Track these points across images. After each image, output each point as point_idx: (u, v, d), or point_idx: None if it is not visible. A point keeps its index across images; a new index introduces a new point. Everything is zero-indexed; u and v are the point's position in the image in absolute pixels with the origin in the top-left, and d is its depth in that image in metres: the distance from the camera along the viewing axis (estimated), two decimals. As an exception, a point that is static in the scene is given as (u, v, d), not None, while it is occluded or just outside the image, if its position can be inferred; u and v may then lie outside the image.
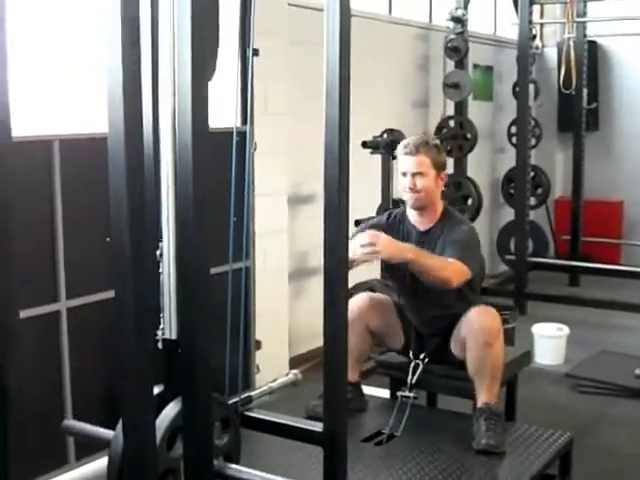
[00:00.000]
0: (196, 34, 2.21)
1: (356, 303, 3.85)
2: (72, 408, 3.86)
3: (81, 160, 3.76)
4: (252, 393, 3.53)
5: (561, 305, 7.07)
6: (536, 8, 8.19)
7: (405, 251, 3.58)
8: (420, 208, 3.83)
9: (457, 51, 7.41)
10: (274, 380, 3.85)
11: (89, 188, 3.69)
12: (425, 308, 3.89)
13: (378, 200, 5.80)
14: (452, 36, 7.39)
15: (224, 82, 3.28)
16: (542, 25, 9.01)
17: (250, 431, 3.21)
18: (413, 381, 3.83)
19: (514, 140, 7.92)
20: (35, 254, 3.66)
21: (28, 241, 3.53)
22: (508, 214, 8.16)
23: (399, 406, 3.76)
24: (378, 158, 5.75)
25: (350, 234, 2.75)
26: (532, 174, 7.93)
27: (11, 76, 2.38)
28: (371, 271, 5.04)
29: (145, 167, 2.19)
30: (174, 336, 2.56)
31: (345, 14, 2.55)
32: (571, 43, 7.31)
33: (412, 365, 3.86)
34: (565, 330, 5.87)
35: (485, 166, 8.51)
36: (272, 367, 4.82)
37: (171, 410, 2.49)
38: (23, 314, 3.40)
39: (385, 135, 5.80)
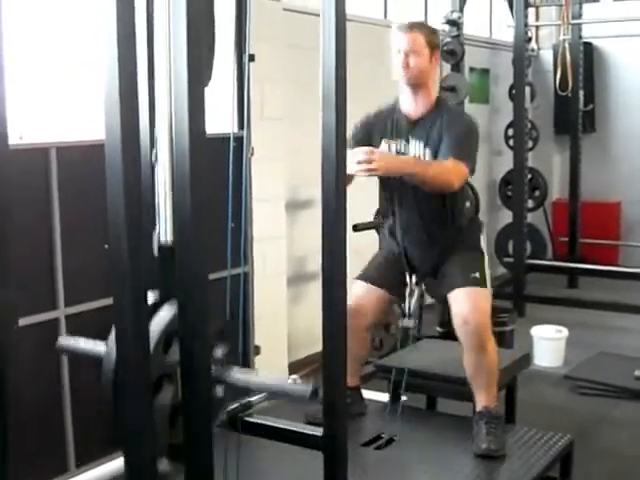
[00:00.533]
0: (192, 40, 2.21)
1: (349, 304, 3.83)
2: (71, 415, 3.85)
3: (78, 167, 3.76)
4: (251, 398, 3.52)
5: (560, 307, 7.08)
6: (531, 10, 8.22)
7: (401, 164, 3.54)
8: (414, 85, 3.72)
9: (453, 54, 7.42)
10: (273, 385, 3.84)
11: (86, 195, 3.69)
12: (415, 219, 3.80)
13: (376, 204, 5.79)
14: (448, 39, 7.41)
15: (220, 87, 3.27)
16: (538, 27, 9.03)
17: (250, 436, 3.21)
18: (411, 307, 3.79)
19: (511, 142, 7.93)
20: (33, 261, 3.66)
21: (26, 248, 3.52)
22: (506, 217, 8.16)
23: (397, 408, 3.75)
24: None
25: (348, 243, 2.73)
26: (529, 176, 7.94)
27: (8, 83, 2.38)
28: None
29: (142, 174, 2.19)
30: (169, 241, 2.50)
31: (341, 18, 2.55)
32: (567, 45, 7.34)
33: (407, 291, 3.80)
34: (564, 332, 5.88)
35: (482, 169, 8.52)
36: (271, 372, 4.81)
37: (166, 312, 2.40)
38: (22, 322, 3.40)
39: (382, 139, 5.79)
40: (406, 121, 3.77)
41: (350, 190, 2.69)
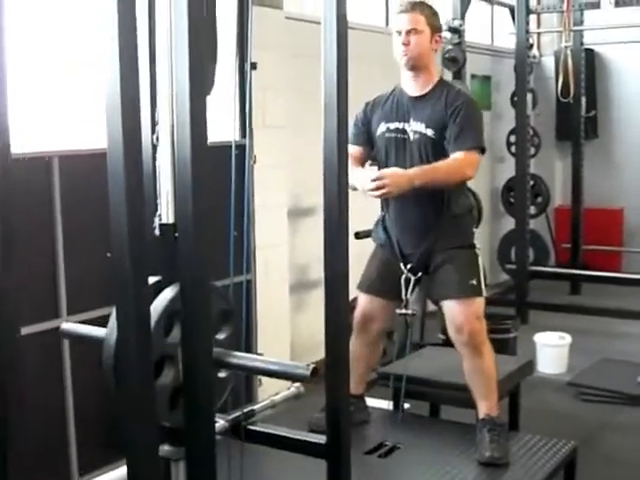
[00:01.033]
0: (194, 48, 2.21)
1: (359, 314, 3.84)
2: (74, 423, 3.85)
3: (81, 176, 3.77)
4: (255, 407, 3.51)
5: (563, 314, 7.07)
6: (533, 17, 8.23)
7: (413, 179, 3.48)
8: (414, 68, 3.70)
9: (455, 61, 7.42)
10: (276, 393, 3.83)
11: (89, 204, 3.70)
12: (410, 206, 3.76)
13: (378, 212, 5.79)
14: (449, 46, 7.41)
15: (223, 96, 3.28)
16: (539, 34, 9.03)
17: (253, 445, 3.20)
18: (409, 295, 3.77)
19: (513, 149, 7.93)
20: (36, 270, 3.66)
21: (29, 257, 3.53)
22: (508, 223, 8.16)
23: (400, 415, 3.75)
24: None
25: (350, 251, 2.72)
26: (532, 183, 7.94)
27: (10, 92, 2.38)
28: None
29: (144, 182, 2.19)
30: (171, 220, 2.50)
31: (342, 26, 2.55)
32: (568, 52, 7.33)
33: (403, 278, 3.77)
34: (567, 339, 5.87)
35: (485, 176, 8.51)
36: (274, 380, 4.80)
37: (168, 293, 2.38)
38: (24, 330, 3.40)
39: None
40: (407, 100, 3.75)
41: (352, 197, 2.69)
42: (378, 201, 5.69)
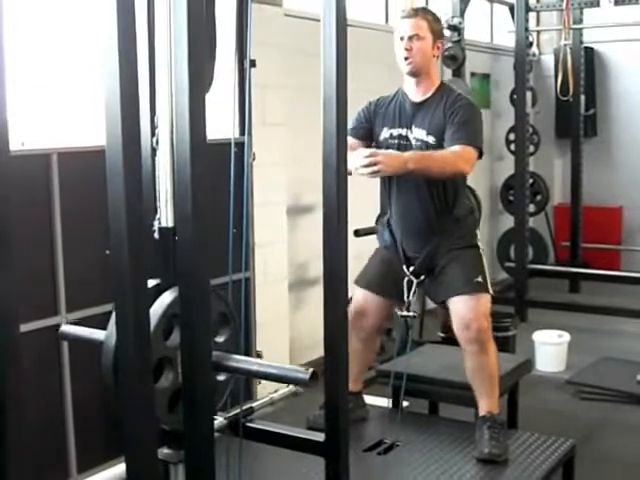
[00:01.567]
0: (193, 46, 2.21)
1: (352, 312, 3.82)
2: (73, 421, 3.85)
3: (80, 173, 3.76)
4: (253, 404, 3.52)
5: (562, 312, 7.08)
6: (532, 15, 8.23)
7: (406, 162, 3.46)
8: (416, 74, 3.72)
9: (454, 59, 7.43)
10: (275, 391, 3.85)
11: (88, 201, 3.69)
12: (413, 206, 3.78)
13: (377, 209, 5.79)
14: (449, 44, 7.41)
15: (222, 93, 3.28)
16: (539, 32, 9.03)
17: (252, 442, 3.20)
18: (410, 297, 3.77)
19: (512, 147, 7.94)
20: (35, 267, 3.66)
21: (28, 254, 3.53)
22: (507, 221, 8.16)
23: (399, 413, 3.75)
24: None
25: (349, 248, 2.73)
26: (531, 181, 7.95)
27: (9, 89, 2.38)
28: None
29: (143, 179, 2.19)
30: (170, 224, 2.51)
31: (341, 24, 2.55)
32: (568, 50, 7.31)
33: (405, 281, 3.77)
34: (566, 337, 5.87)
35: (484, 174, 8.52)
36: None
37: (167, 296, 2.39)
38: (23, 328, 3.39)
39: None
40: (409, 106, 3.76)
41: (351, 195, 2.68)
42: (377, 199, 5.73)
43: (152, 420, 2.18)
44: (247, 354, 4.54)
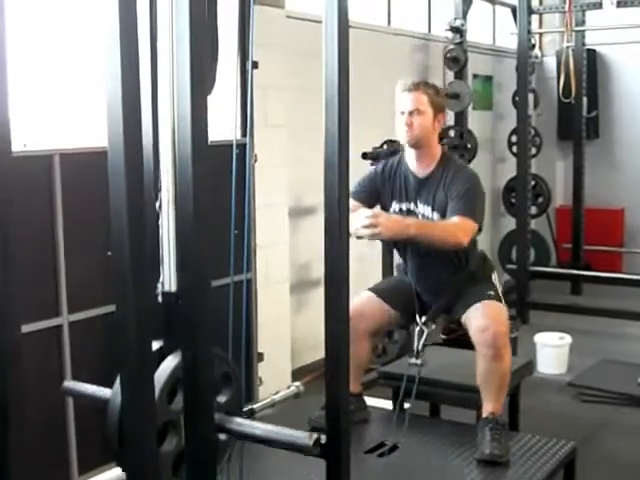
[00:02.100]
0: (195, 47, 2.21)
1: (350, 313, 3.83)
2: (74, 422, 3.85)
3: (82, 174, 3.76)
4: (255, 406, 3.53)
5: (563, 314, 7.07)
6: (535, 17, 8.22)
7: (406, 228, 3.52)
8: (416, 147, 3.75)
9: (456, 61, 7.43)
10: (276, 392, 3.85)
11: (90, 202, 3.70)
12: (427, 265, 3.83)
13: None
14: (451, 46, 7.42)
15: (224, 95, 3.28)
16: (541, 34, 9.02)
17: (253, 443, 3.20)
18: (420, 347, 3.77)
19: (514, 149, 7.93)
20: (37, 268, 3.66)
21: (29, 255, 3.53)
22: (509, 223, 8.16)
23: (399, 415, 3.74)
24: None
25: (351, 250, 2.74)
26: (533, 183, 7.94)
27: (11, 90, 2.38)
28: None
29: (145, 180, 2.19)
30: (173, 289, 2.53)
31: (343, 25, 2.55)
32: (570, 52, 7.33)
33: (417, 330, 3.79)
34: (567, 339, 5.87)
35: (486, 176, 8.51)
36: (274, 379, 4.81)
37: (171, 362, 2.44)
38: (25, 328, 3.39)
39: (385, 146, 5.80)
40: (413, 180, 3.80)
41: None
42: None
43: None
44: (248, 356, 4.54)
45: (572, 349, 5.86)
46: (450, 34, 7.41)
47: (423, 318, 3.81)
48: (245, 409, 3.34)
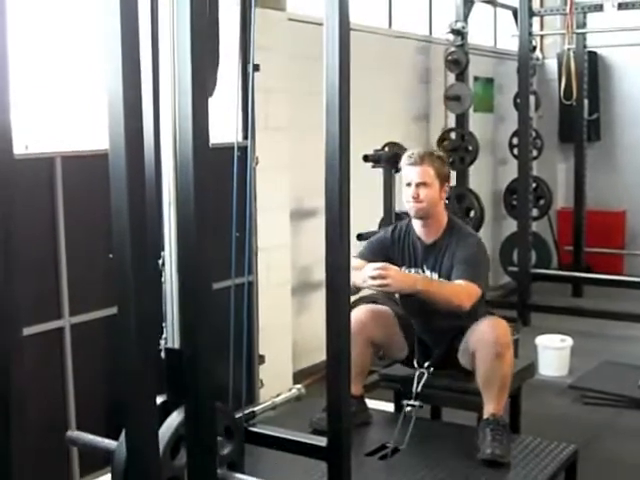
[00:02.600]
0: (196, 50, 2.22)
1: (357, 315, 3.83)
2: (76, 425, 3.85)
3: (83, 176, 3.77)
4: (256, 408, 3.52)
5: (564, 316, 7.07)
6: (536, 20, 8.21)
7: (414, 283, 3.61)
8: (423, 218, 3.84)
9: (457, 63, 7.43)
10: (278, 395, 3.84)
11: (91, 204, 3.70)
12: (432, 321, 3.89)
13: (380, 214, 5.80)
14: (452, 49, 7.42)
15: (225, 97, 3.28)
16: (542, 37, 9.03)
17: (254, 446, 3.20)
18: (418, 390, 3.81)
19: (515, 151, 7.93)
20: (38, 271, 3.66)
21: (31, 258, 3.53)
22: (510, 225, 8.16)
23: (403, 419, 3.74)
24: (380, 172, 5.75)
25: (352, 251, 2.75)
26: (534, 185, 7.94)
27: (12, 92, 2.39)
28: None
29: (146, 183, 2.20)
30: (177, 346, 2.57)
31: (344, 28, 2.56)
32: (571, 54, 7.31)
33: (417, 374, 3.84)
34: (569, 341, 5.86)
35: (487, 178, 8.52)
36: (276, 382, 4.81)
37: (174, 418, 2.49)
38: (27, 331, 3.39)
39: (386, 149, 5.80)
40: (420, 246, 3.88)
41: (354, 199, 2.69)
42: (381, 203, 5.73)
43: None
44: (250, 358, 4.54)
45: (573, 351, 5.86)
46: (451, 36, 7.41)
47: (425, 364, 3.86)
48: (246, 412, 3.34)
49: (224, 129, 3.85)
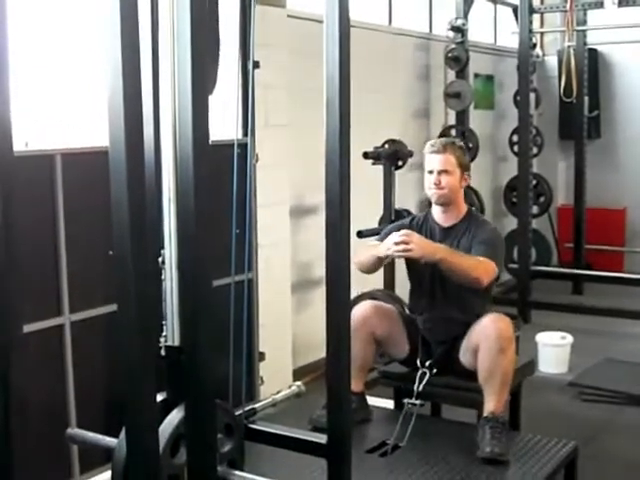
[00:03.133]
0: (196, 47, 2.22)
1: (360, 310, 3.85)
2: (76, 422, 3.85)
3: (83, 174, 3.77)
4: (256, 405, 3.52)
5: (565, 313, 7.07)
6: (536, 17, 8.22)
7: (437, 250, 3.67)
8: (443, 204, 3.91)
9: (458, 61, 7.43)
10: (278, 392, 3.84)
11: (91, 201, 3.70)
12: (440, 308, 3.89)
13: (380, 211, 5.80)
14: (452, 46, 7.42)
15: (225, 94, 3.28)
16: (542, 34, 9.02)
17: (254, 443, 3.20)
18: (420, 389, 3.81)
19: (516, 149, 7.92)
20: (38, 268, 3.66)
21: (31, 255, 3.53)
22: (511, 223, 8.16)
23: (404, 416, 3.74)
24: (380, 169, 5.75)
25: (352, 248, 2.74)
26: (534, 182, 7.93)
27: (12, 89, 2.39)
28: (376, 281, 5.04)
29: (146, 180, 2.20)
30: (177, 343, 2.57)
31: (344, 25, 2.56)
32: (571, 51, 7.30)
33: (419, 373, 3.85)
34: (569, 338, 5.86)
35: (487, 175, 8.52)
36: (276, 379, 4.81)
37: (174, 416, 2.49)
38: (27, 328, 3.40)
39: (386, 146, 5.80)
40: (438, 229, 3.94)
41: (354, 196, 2.69)
42: (380, 201, 5.73)
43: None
44: (250, 355, 4.54)
45: (573, 349, 5.86)
46: (451, 33, 7.40)
47: (427, 363, 3.87)
48: (246, 409, 3.34)
49: (224, 126, 3.85)
